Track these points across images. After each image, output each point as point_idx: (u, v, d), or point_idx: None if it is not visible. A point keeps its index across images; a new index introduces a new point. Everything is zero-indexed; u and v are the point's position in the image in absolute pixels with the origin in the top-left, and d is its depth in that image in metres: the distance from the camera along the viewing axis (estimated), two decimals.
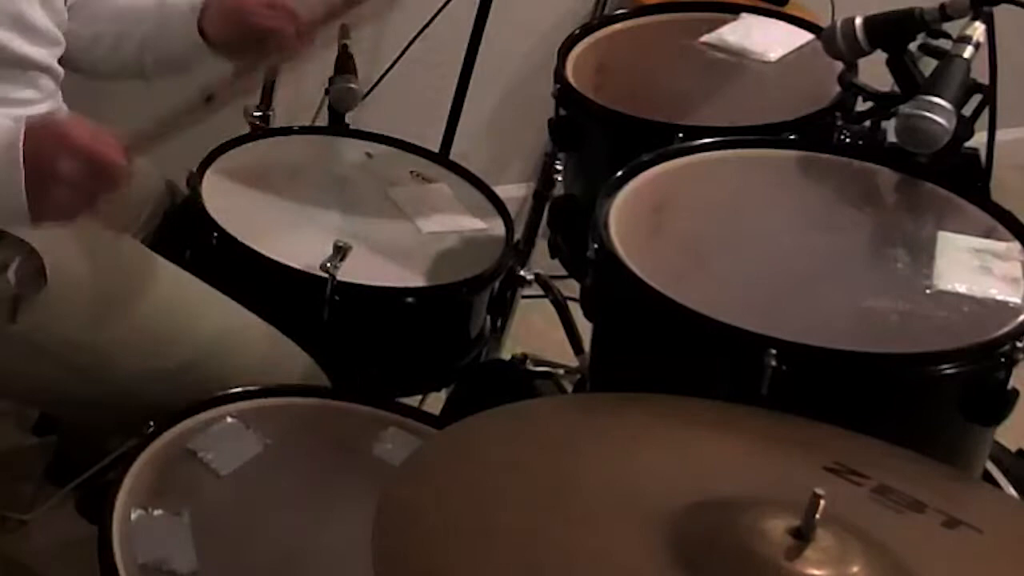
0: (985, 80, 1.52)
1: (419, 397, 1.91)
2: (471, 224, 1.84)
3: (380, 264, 1.71)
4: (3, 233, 1.41)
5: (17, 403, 1.93)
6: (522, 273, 2.05)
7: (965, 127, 1.48)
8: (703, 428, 1.16)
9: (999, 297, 1.35)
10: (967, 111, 1.49)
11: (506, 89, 2.72)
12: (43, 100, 1.50)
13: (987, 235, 1.45)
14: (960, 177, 1.52)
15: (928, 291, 1.35)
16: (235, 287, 1.61)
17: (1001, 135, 1.57)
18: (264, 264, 1.64)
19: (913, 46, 1.57)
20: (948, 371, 1.25)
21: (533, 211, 2.19)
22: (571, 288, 1.92)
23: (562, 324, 2.12)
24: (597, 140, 1.73)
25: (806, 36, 1.88)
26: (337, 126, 2.06)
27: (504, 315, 2.13)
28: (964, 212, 1.49)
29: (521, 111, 2.70)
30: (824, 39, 1.62)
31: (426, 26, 2.33)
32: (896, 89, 1.58)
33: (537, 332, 2.38)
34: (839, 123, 1.67)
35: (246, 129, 2.12)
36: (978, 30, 1.49)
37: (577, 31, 1.89)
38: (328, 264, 1.61)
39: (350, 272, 1.62)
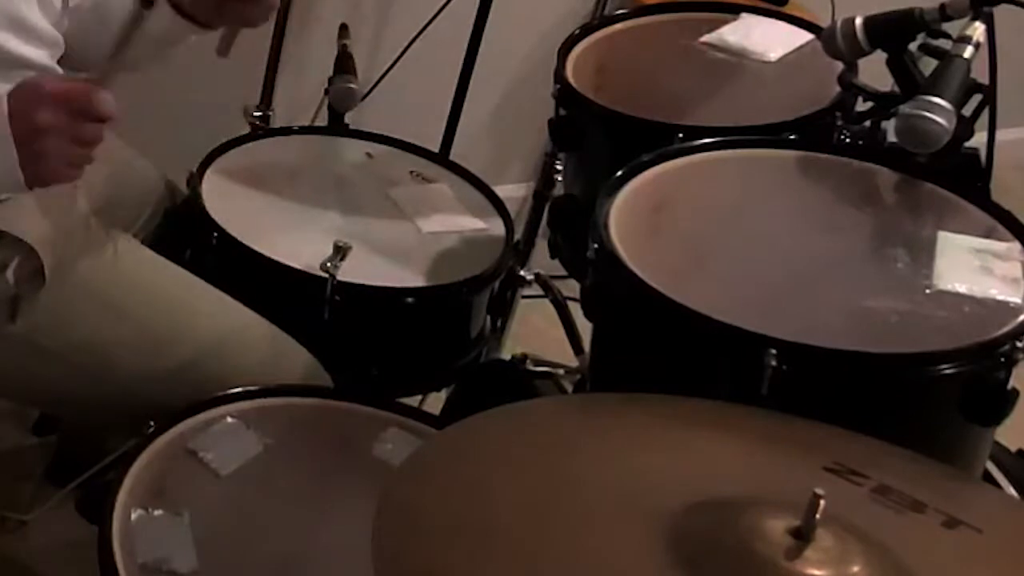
0: (985, 80, 1.52)
1: (419, 397, 1.91)
2: (471, 224, 1.84)
3: (380, 264, 1.71)
4: (2, 233, 1.41)
5: (17, 403, 1.93)
6: (522, 273, 2.06)
7: (965, 127, 1.48)
8: (703, 428, 1.16)
9: (999, 297, 1.35)
10: (967, 111, 1.49)
11: (506, 89, 2.72)
12: None
13: (987, 235, 1.45)
14: (960, 177, 1.52)
15: (928, 291, 1.35)
16: (235, 287, 1.61)
17: (1001, 135, 1.57)
18: (264, 264, 1.64)
19: (913, 46, 1.57)
20: (948, 371, 1.25)
21: (533, 211, 2.19)
22: (571, 288, 1.92)
23: (562, 324, 2.12)
24: (597, 140, 1.73)
25: (806, 36, 1.88)
26: (337, 126, 2.06)
27: (504, 315, 2.13)
28: (964, 212, 1.49)
29: (521, 111, 2.70)
30: (824, 39, 1.62)
31: (426, 26, 2.33)
32: (896, 89, 1.58)
33: (537, 332, 2.38)
34: (839, 123, 1.67)
35: (246, 129, 2.12)
36: (978, 30, 1.49)
37: (577, 31, 1.89)
38: (328, 264, 1.61)
39: (350, 272, 1.62)
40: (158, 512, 1.30)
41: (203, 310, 1.57)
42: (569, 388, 2.04)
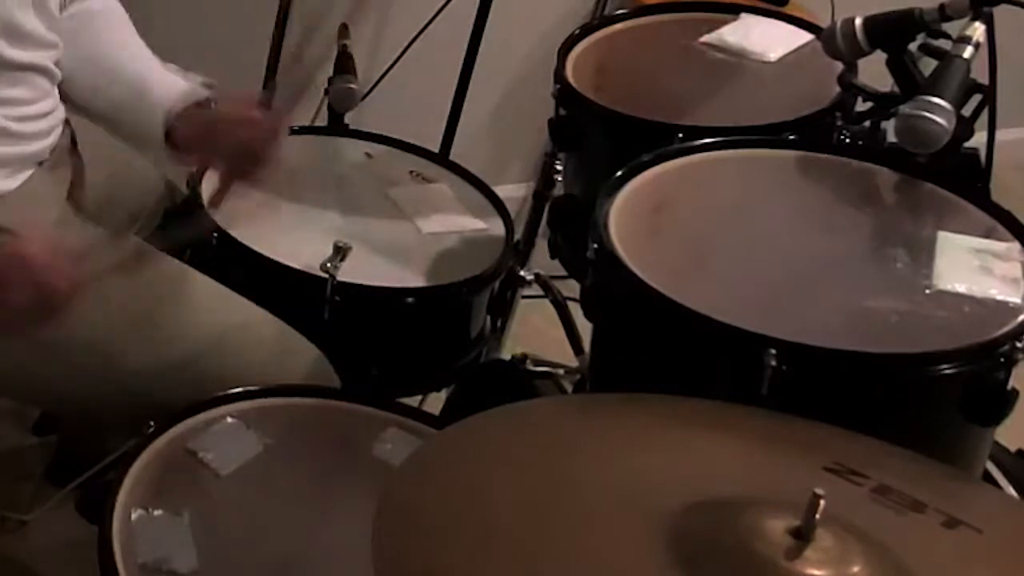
0: (985, 80, 1.52)
1: (419, 397, 1.91)
2: (471, 224, 1.84)
3: (380, 264, 1.71)
4: (1, 228, 1.41)
5: (18, 402, 1.93)
6: (522, 273, 2.05)
7: (965, 127, 1.48)
8: (703, 428, 1.15)
9: (999, 297, 1.35)
10: (967, 111, 1.49)
11: (506, 89, 2.72)
12: (39, 99, 1.50)
13: (987, 235, 1.45)
14: (960, 177, 1.52)
15: (928, 291, 1.35)
16: (235, 287, 1.61)
17: (1001, 135, 1.57)
18: (264, 264, 1.64)
19: (913, 46, 1.57)
20: (948, 371, 1.25)
21: (533, 211, 2.19)
22: (571, 288, 1.92)
23: (562, 324, 2.12)
24: (597, 140, 1.73)
25: (806, 36, 1.88)
26: (336, 126, 2.06)
27: (504, 315, 2.13)
28: (964, 212, 1.49)
29: (521, 111, 2.70)
30: (824, 39, 1.62)
31: (426, 26, 2.33)
32: (896, 89, 1.58)
33: (537, 332, 2.38)
34: (839, 123, 1.67)
35: None
36: (978, 30, 1.49)
37: (577, 31, 1.89)
38: (328, 264, 1.61)
39: (350, 272, 1.62)
40: (158, 512, 1.30)
41: (205, 305, 1.57)
42: (569, 388, 2.04)
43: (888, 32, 1.57)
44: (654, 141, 1.56)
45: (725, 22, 1.92)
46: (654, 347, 1.35)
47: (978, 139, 1.53)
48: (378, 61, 2.45)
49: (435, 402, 1.93)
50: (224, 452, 1.40)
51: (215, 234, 1.66)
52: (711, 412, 1.19)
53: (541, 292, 2.11)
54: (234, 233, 1.66)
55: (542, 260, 1.99)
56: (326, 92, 2.06)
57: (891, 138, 1.53)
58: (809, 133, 1.63)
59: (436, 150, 2.13)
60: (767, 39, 1.87)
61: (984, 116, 1.54)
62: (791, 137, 1.61)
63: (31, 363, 1.48)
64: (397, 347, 1.72)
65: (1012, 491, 1.61)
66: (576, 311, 1.62)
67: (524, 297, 2.18)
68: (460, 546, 0.95)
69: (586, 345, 1.79)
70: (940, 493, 1.08)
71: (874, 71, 1.63)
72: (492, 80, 2.57)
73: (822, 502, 0.93)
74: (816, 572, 0.93)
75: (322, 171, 1.93)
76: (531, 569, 0.94)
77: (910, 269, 1.39)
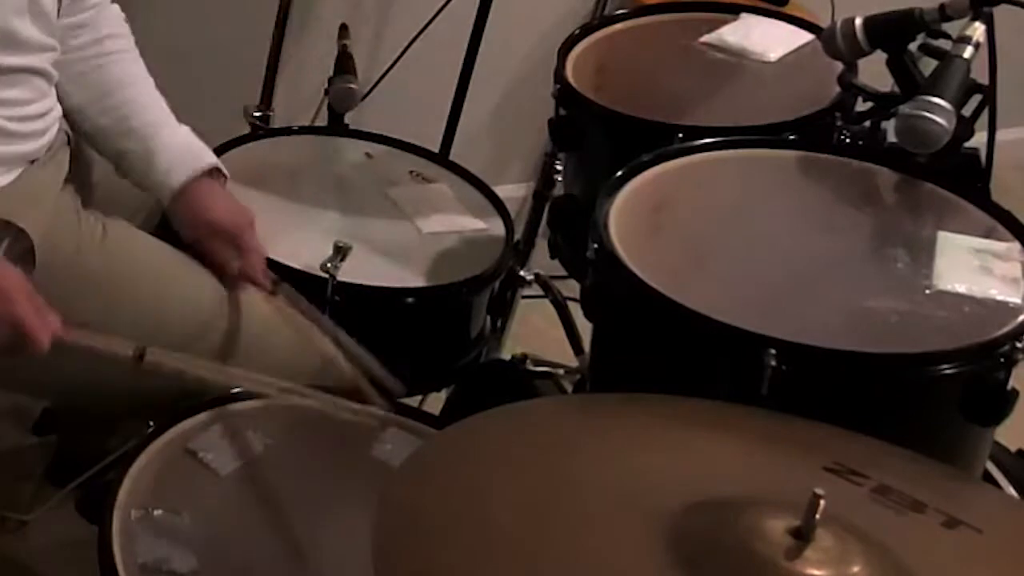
0: (985, 80, 1.52)
1: (419, 397, 1.91)
2: (471, 224, 1.84)
3: (380, 264, 1.71)
4: None
5: (16, 392, 1.92)
6: (522, 273, 2.05)
7: (965, 127, 1.48)
8: (703, 428, 1.15)
9: (999, 297, 1.35)
10: (967, 111, 1.49)
11: (506, 89, 2.72)
12: (36, 100, 1.50)
13: (987, 235, 1.45)
14: (960, 177, 1.52)
15: (928, 291, 1.35)
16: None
17: (1001, 135, 1.57)
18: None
19: (913, 46, 1.57)
20: (948, 371, 1.25)
21: (533, 211, 2.19)
22: (571, 288, 1.92)
23: (562, 324, 2.12)
24: (597, 140, 1.73)
25: (806, 36, 1.88)
26: (337, 126, 2.06)
27: (504, 315, 2.13)
28: (964, 212, 1.49)
29: (521, 111, 2.70)
30: (824, 39, 1.62)
31: (426, 26, 2.33)
32: (896, 89, 1.58)
33: (537, 332, 2.38)
34: (839, 123, 1.67)
35: (246, 129, 2.12)
36: (978, 30, 1.49)
37: (577, 31, 1.89)
38: (328, 264, 1.61)
39: (350, 272, 1.62)
40: (158, 512, 1.30)
41: (206, 282, 1.56)
42: (569, 388, 2.04)
43: (888, 32, 1.57)
44: (654, 141, 1.56)
45: (725, 22, 1.92)
46: (654, 347, 1.35)
47: (978, 139, 1.53)
48: (378, 61, 2.45)
49: (435, 402, 1.93)
50: (224, 452, 1.40)
51: None
52: (711, 412, 1.19)
53: (541, 292, 2.11)
54: None
55: (542, 260, 1.99)
56: (326, 92, 2.06)
57: (891, 138, 1.53)
58: (809, 133, 1.63)
59: (436, 150, 2.13)
60: (767, 39, 1.87)
61: (984, 116, 1.54)
62: (791, 137, 1.61)
63: (38, 357, 1.48)
64: (397, 347, 1.72)
65: (1012, 491, 1.61)
66: (576, 311, 1.62)
67: (524, 297, 2.18)
68: (460, 546, 0.95)
69: (586, 345, 1.80)
70: (940, 493, 1.08)
71: (874, 71, 1.63)
72: (492, 80, 2.57)
73: (822, 502, 0.93)
74: (816, 572, 0.93)
75: (322, 171, 1.93)
76: (531, 569, 0.94)
77: (910, 269, 1.39)
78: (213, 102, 2.31)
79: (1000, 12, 1.51)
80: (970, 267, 1.39)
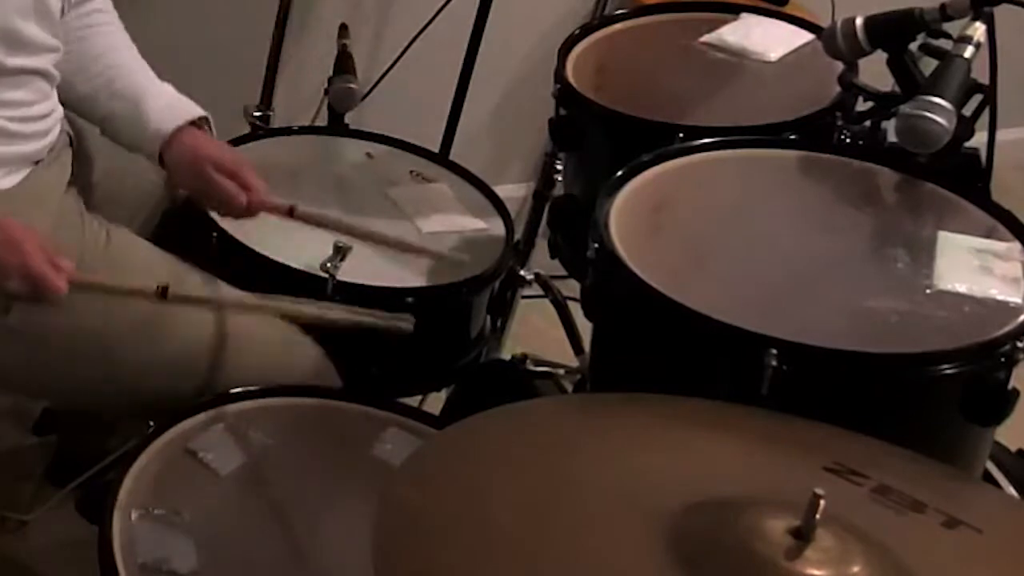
0: (985, 80, 1.52)
1: (419, 397, 1.91)
2: (471, 224, 1.84)
3: (380, 264, 1.71)
4: None
5: (16, 394, 1.93)
6: (522, 273, 2.05)
7: (965, 127, 1.48)
8: (703, 428, 1.15)
9: (999, 297, 1.35)
10: (967, 111, 1.49)
11: (506, 89, 2.72)
12: (39, 101, 1.50)
13: (987, 235, 1.45)
14: (960, 177, 1.52)
15: (928, 291, 1.35)
16: (236, 287, 1.61)
17: (1001, 135, 1.57)
18: (264, 264, 1.64)
19: (913, 46, 1.57)
20: (948, 371, 1.25)
21: (533, 211, 2.19)
22: (571, 288, 1.92)
23: (562, 324, 2.12)
24: (597, 140, 1.73)
25: (806, 36, 1.88)
26: (337, 126, 2.06)
27: (504, 315, 2.13)
28: (964, 212, 1.49)
29: (521, 111, 2.70)
30: (824, 39, 1.62)
31: (426, 26, 2.33)
32: (896, 89, 1.58)
33: (537, 332, 2.38)
34: (839, 123, 1.67)
35: (246, 129, 2.12)
36: (978, 30, 1.49)
37: (577, 31, 1.89)
38: (328, 264, 1.61)
39: (350, 272, 1.62)
40: (158, 512, 1.30)
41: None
42: (569, 388, 2.04)
43: (888, 32, 1.57)
44: (654, 141, 1.56)
45: (725, 22, 1.92)
46: (654, 347, 1.35)
47: (978, 139, 1.53)
48: (378, 61, 2.45)
49: (435, 402, 1.93)
50: (224, 452, 1.40)
51: (214, 234, 1.66)
52: (711, 412, 1.19)
53: (541, 292, 2.11)
54: (235, 233, 1.66)
55: (542, 260, 1.98)
56: (326, 92, 2.06)
57: (891, 138, 1.53)
58: (809, 133, 1.63)
59: (436, 150, 2.13)
60: (767, 39, 1.87)
61: (984, 116, 1.54)
62: (791, 137, 1.61)
63: (28, 356, 1.48)
64: (397, 347, 1.72)
65: (1012, 491, 1.61)
66: (576, 311, 1.62)
67: (524, 297, 2.18)
68: (460, 546, 0.95)
69: (586, 345, 1.79)
70: (940, 493, 1.08)
71: (874, 71, 1.63)
72: (492, 80, 2.57)
73: (822, 502, 0.93)
74: (816, 572, 0.93)
75: (322, 171, 1.92)
76: (531, 569, 0.94)
77: (910, 269, 1.39)
78: (213, 102, 2.31)
79: (1000, 12, 1.51)
80: (970, 267, 1.39)
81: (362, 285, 1.64)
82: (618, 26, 1.94)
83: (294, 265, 1.64)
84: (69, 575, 1.85)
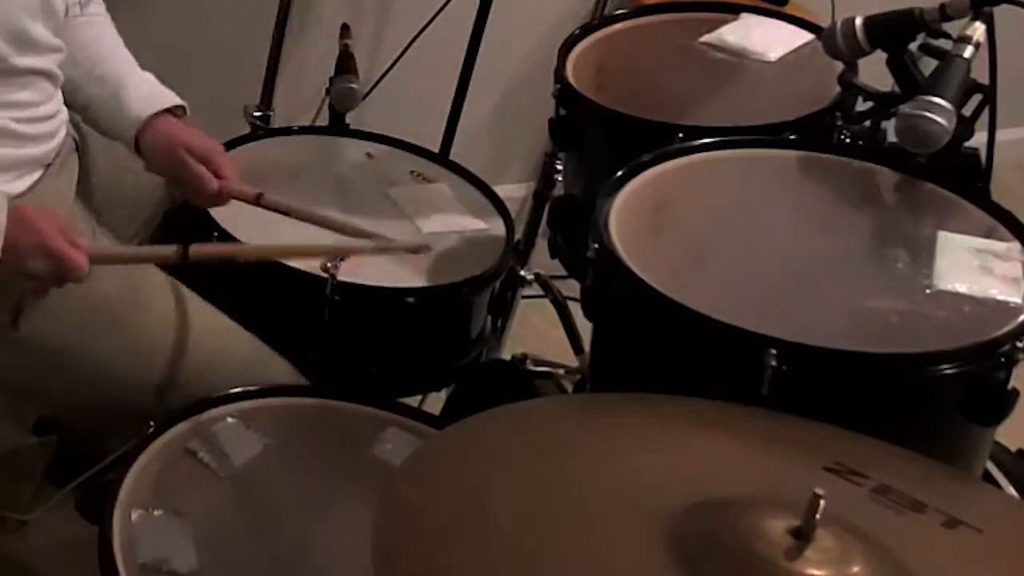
0: (985, 80, 1.52)
1: (419, 397, 1.91)
2: (471, 224, 1.84)
3: (380, 264, 1.71)
4: None
5: (17, 406, 1.93)
6: (522, 273, 2.05)
7: (965, 127, 1.47)
8: (703, 428, 1.15)
9: (999, 297, 1.35)
10: (967, 111, 1.49)
11: (506, 89, 2.72)
12: (44, 102, 1.51)
13: (987, 235, 1.45)
14: (960, 177, 1.52)
15: (928, 291, 1.35)
16: (235, 287, 1.61)
17: (1001, 135, 1.57)
18: (264, 264, 1.64)
19: (913, 46, 1.57)
20: (948, 371, 1.25)
21: (533, 211, 2.19)
22: (571, 288, 1.92)
23: (562, 324, 2.12)
24: (597, 140, 1.73)
25: (806, 36, 1.88)
26: (337, 126, 2.06)
27: (504, 315, 2.13)
28: (964, 212, 1.49)
29: (521, 111, 2.70)
30: (824, 39, 1.62)
31: (426, 26, 2.33)
32: (896, 89, 1.58)
33: (537, 332, 2.38)
34: (839, 123, 1.67)
35: (246, 129, 2.12)
36: (978, 30, 1.49)
37: (577, 31, 1.89)
38: (328, 264, 1.61)
39: (350, 272, 1.62)
40: (158, 512, 1.30)
41: (196, 325, 1.57)
42: (569, 388, 2.04)
43: (888, 32, 1.57)
44: (654, 141, 1.56)
45: (725, 22, 1.92)
46: (654, 347, 1.35)
47: (978, 139, 1.53)
48: (379, 61, 2.45)
49: (435, 402, 1.93)
50: (224, 452, 1.40)
51: (215, 234, 1.66)
52: (711, 412, 1.19)
53: (541, 292, 2.11)
54: (235, 233, 1.66)
55: (542, 260, 1.98)
56: (327, 92, 2.06)
57: (891, 138, 1.53)
58: (809, 133, 1.63)
59: (436, 150, 2.13)
60: (767, 39, 1.87)
61: (984, 116, 1.54)
62: (791, 137, 1.61)
63: (32, 369, 1.49)
64: (397, 347, 1.72)
65: (1012, 491, 1.61)
66: (576, 311, 1.62)
67: (524, 297, 2.18)
68: (460, 546, 0.95)
69: (586, 345, 1.79)
70: (940, 493, 1.08)
71: (874, 71, 1.63)
72: (492, 80, 2.57)
73: (822, 502, 0.93)
74: (816, 572, 0.93)
75: (322, 171, 1.93)
76: (531, 569, 0.94)
77: (910, 269, 1.39)
78: (213, 102, 2.31)
79: (1000, 12, 1.51)
80: (970, 267, 1.39)
81: (362, 285, 1.64)
82: (618, 26, 1.94)
83: (294, 265, 1.64)
84: (69, 575, 1.85)
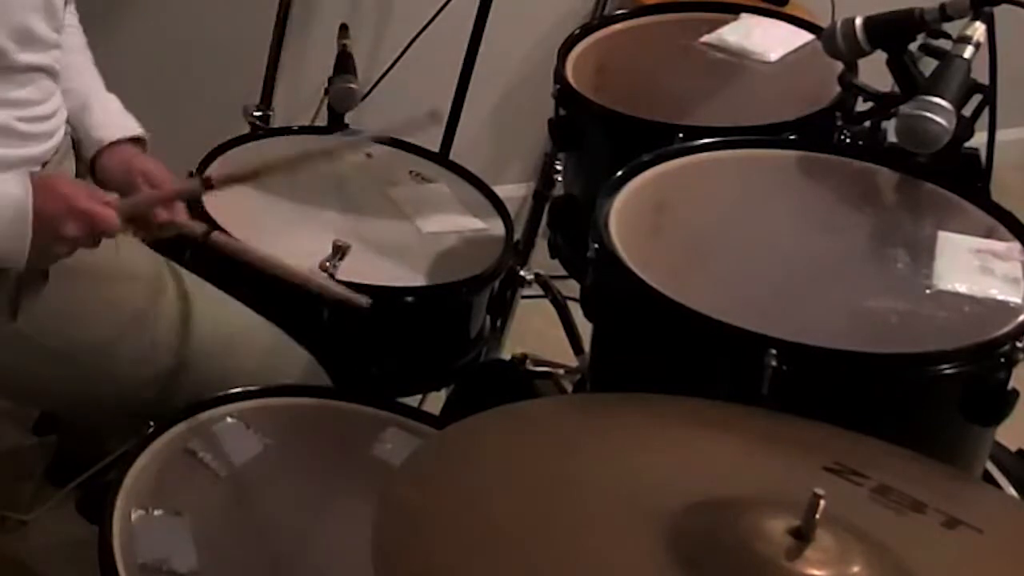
0: (985, 80, 1.52)
1: (419, 397, 1.91)
2: (471, 224, 1.84)
3: (380, 264, 1.71)
4: None
5: (17, 403, 1.93)
6: (522, 273, 2.05)
7: (965, 127, 1.47)
8: (703, 428, 1.15)
9: (999, 297, 1.35)
10: (967, 111, 1.49)
11: (506, 89, 2.72)
12: (45, 100, 1.51)
13: (987, 235, 1.45)
14: (960, 177, 1.52)
15: (928, 291, 1.35)
16: (235, 287, 1.61)
17: (1001, 135, 1.57)
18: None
19: (913, 46, 1.57)
20: (948, 371, 1.25)
21: (533, 211, 2.19)
22: (571, 288, 1.92)
23: (562, 324, 2.12)
24: (597, 140, 1.73)
25: (806, 36, 1.88)
26: (337, 126, 2.06)
27: (504, 315, 2.13)
28: (964, 212, 1.49)
29: (521, 111, 2.70)
30: (824, 39, 1.62)
31: (426, 26, 2.33)
32: (896, 89, 1.58)
33: (537, 332, 2.38)
34: (839, 123, 1.67)
35: (246, 129, 2.12)
36: (978, 30, 1.49)
37: (577, 31, 1.89)
38: (327, 263, 1.61)
39: (350, 272, 1.62)
40: (158, 512, 1.30)
41: (204, 311, 1.57)
42: (569, 388, 2.04)
43: (888, 32, 1.57)
44: (654, 141, 1.56)
45: (725, 22, 1.92)
46: (654, 347, 1.35)
47: (978, 139, 1.53)
48: (378, 61, 2.45)
49: (435, 402, 1.93)
50: (224, 452, 1.40)
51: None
52: (711, 412, 1.19)
53: (541, 292, 2.11)
54: (234, 232, 1.66)
55: (542, 260, 1.99)
56: (326, 92, 2.06)
57: (891, 138, 1.53)
58: (809, 133, 1.63)
59: (436, 150, 2.13)
60: (767, 39, 1.87)
61: (984, 116, 1.54)
62: (791, 137, 1.61)
63: (31, 363, 1.48)
64: (397, 347, 1.72)
65: (1012, 491, 1.61)
66: (576, 311, 1.62)
67: (524, 297, 2.18)
68: (460, 546, 0.95)
69: (586, 345, 1.79)
70: (940, 493, 1.08)
71: (874, 71, 1.63)
72: (492, 80, 2.57)
73: (822, 502, 0.93)
74: (816, 572, 0.93)
75: (322, 171, 1.92)
76: (531, 569, 0.94)
77: (910, 269, 1.39)
78: (213, 102, 2.31)
79: (1000, 12, 1.51)
80: (970, 267, 1.39)
81: (362, 285, 1.64)
82: (618, 26, 1.94)
83: (294, 265, 1.63)
84: (69, 575, 1.85)
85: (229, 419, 1.44)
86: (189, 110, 2.29)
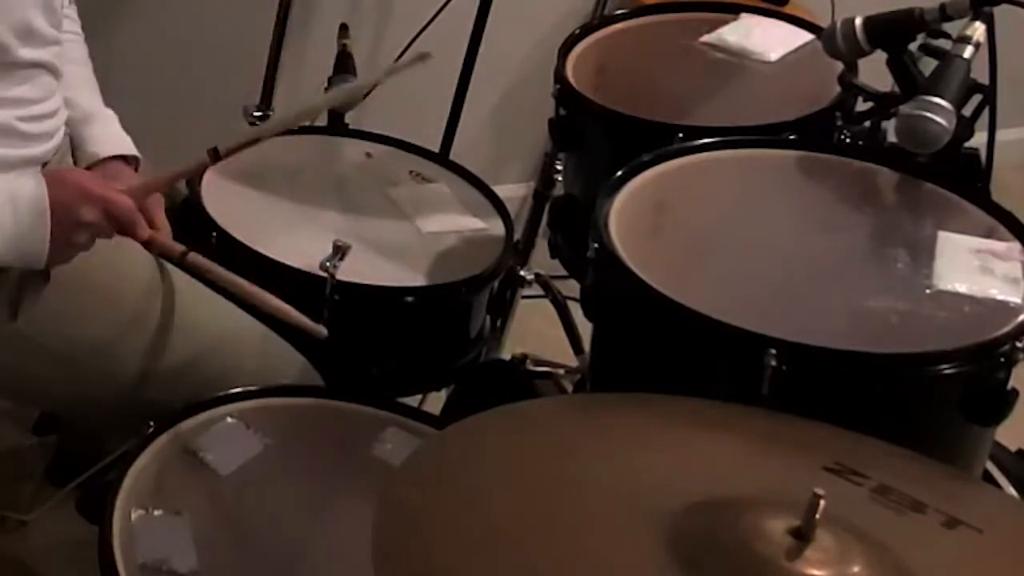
0: (985, 80, 1.52)
1: (419, 397, 1.91)
2: (471, 224, 1.84)
3: (380, 264, 1.71)
4: None
5: (17, 403, 1.93)
6: (522, 273, 2.05)
7: (965, 127, 1.48)
8: (703, 428, 1.15)
9: (999, 297, 1.35)
10: (967, 111, 1.49)
11: (506, 89, 2.72)
12: (45, 98, 1.51)
13: (987, 235, 1.45)
14: (960, 177, 1.52)
15: (928, 291, 1.35)
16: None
17: (1001, 135, 1.57)
18: (264, 264, 1.64)
19: (913, 46, 1.57)
20: (948, 371, 1.25)
21: (533, 211, 2.19)
22: (571, 288, 1.92)
23: (562, 324, 2.12)
24: (597, 140, 1.73)
25: (806, 36, 1.88)
26: (337, 126, 2.06)
27: (504, 315, 2.13)
28: (964, 212, 1.49)
29: (521, 111, 2.70)
30: (824, 39, 1.62)
31: (426, 26, 2.33)
32: (896, 89, 1.58)
33: (537, 332, 2.38)
34: (839, 123, 1.67)
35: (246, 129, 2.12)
36: (978, 30, 1.49)
37: (577, 31, 1.89)
38: (327, 264, 1.61)
39: (350, 272, 1.62)
40: (158, 512, 1.30)
41: (204, 311, 1.57)
42: (569, 388, 2.04)
43: (888, 32, 1.57)
44: (654, 141, 1.56)
45: (725, 22, 1.92)
46: (654, 347, 1.35)
47: (978, 139, 1.53)
48: (378, 61, 2.45)
49: (435, 402, 1.93)
50: (224, 452, 1.40)
51: (213, 233, 1.66)
52: (711, 412, 1.19)
53: (541, 292, 2.11)
54: (234, 232, 1.67)
55: (542, 260, 1.99)
56: (326, 92, 2.06)
57: (891, 138, 1.53)
58: (809, 133, 1.63)
59: (436, 150, 2.13)
60: (767, 39, 1.87)
61: (984, 116, 1.54)
62: (791, 137, 1.61)
63: (31, 363, 1.48)
64: (397, 347, 1.72)
65: (1012, 491, 1.61)
66: (576, 311, 1.62)
67: (524, 297, 2.18)
68: (460, 546, 0.95)
69: (586, 345, 1.79)
70: (940, 493, 1.08)
71: (874, 71, 1.63)
72: (492, 80, 2.57)
73: (822, 502, 0.93)
74: (816, 572, 0.93)
75: (322, 171, 1.93)
76: (531, 569, 0.94)
77: (910, 269, 1.39)
78: (213, 102, 2.31)
79: (1000, 12, 1.51)
80: (970, 267, 1.39)
81: (361, 285, 1.64)
82: (618, 26, 1.94)
83: (294, 265, 1.64)
84: (69, 575, 1.85)
85: (229, 419, 1.44)
86: (189, 110, 2.30)
